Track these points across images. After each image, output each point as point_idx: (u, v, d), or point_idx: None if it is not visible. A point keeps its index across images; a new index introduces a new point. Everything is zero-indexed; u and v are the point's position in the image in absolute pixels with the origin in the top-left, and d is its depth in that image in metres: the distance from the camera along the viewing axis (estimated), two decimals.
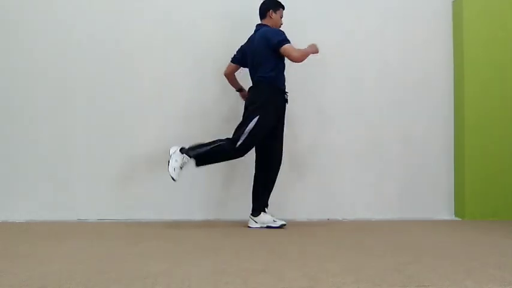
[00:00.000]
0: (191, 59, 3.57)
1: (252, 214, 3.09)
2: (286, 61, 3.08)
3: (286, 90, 3.13)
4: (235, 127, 3.48)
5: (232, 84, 3.36)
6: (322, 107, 3.67)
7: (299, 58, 2.97)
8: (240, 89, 3.36)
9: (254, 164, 3.16)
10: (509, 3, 3.79)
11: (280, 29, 3.12)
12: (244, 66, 3.26)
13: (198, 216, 3.46)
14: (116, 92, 3.49)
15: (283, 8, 3.18)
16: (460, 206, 3.73)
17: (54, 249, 2.16)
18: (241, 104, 3.21)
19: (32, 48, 3.44)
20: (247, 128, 2.94)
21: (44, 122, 3.41)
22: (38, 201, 3.35)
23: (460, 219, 3.70)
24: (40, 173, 3.38)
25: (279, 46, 2.95)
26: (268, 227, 3.03)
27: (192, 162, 2.89)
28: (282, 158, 3.16)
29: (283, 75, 3.11)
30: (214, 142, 2.93)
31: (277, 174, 3.14)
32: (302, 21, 3.54)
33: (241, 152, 2.96)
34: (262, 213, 3.07)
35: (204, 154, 2.90)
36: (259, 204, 3.10)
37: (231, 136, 2.98)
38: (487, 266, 1.81)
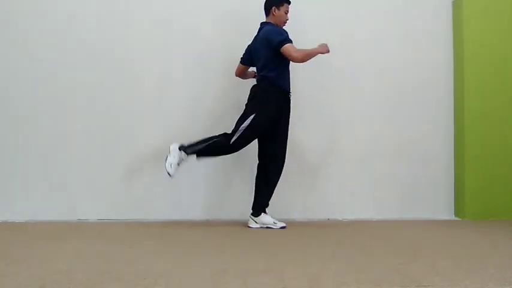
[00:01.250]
0: (192, 59, 3.56)
1: (252, 214, 3.09)
2: (291, 63, 3.08)
3: (290, 92, 3.13)
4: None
5: (247, 78, 3.36)
6: (322, 107, 3.66)
7: (300, 58, 2.97)
8: (254, 76, 3.31)
9: (255, 164, 3.16)
10: (509, 3, 3.78)
11: (283, 28, 3.11)
12: (253, 66, 3.25)
13: (198, 216, 3.46)
14: (116, 92, 3.48)
15: (289, 3, 3.11)
16: (460, 206, 3.73)
17: (54, 249, 2.16)
18: (242, 103, 3.20)
19: (32, 47, 3.43)
20: (242, 126, 2.98)
21: (43, 122, 3.41)
22: (38, 201, 3.35)
23: (460, 219, 3.70)
24: (40, 173, 3.38)
25: (279, 46, 2.95)
26: (268, 227, 3.03)
27: (191, 157, 2.98)
28: (285, 159, 3.15)
29: (287, 76, 3.09)
30: (210, 138, 2.99)
31: (279, 176, 3.13)
32: (302, 21, 3.53)
33: (235, 149, 3.03)
34: (262, 213, 3.07)
35: (201, 151, 2.98)
36: (260, 204, 3.09)
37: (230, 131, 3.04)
38: (487, 266, 1.81)
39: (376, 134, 3.73)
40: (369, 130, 3.73)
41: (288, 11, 3.11)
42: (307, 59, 2.99)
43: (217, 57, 3.55)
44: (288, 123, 3.15)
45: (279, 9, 3.08)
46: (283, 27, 3.12)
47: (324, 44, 3.07)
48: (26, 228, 2.94)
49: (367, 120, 3.72)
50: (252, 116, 2.96)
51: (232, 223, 3.25)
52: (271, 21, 3.11)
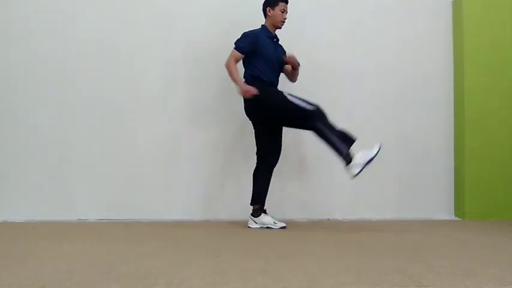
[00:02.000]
0: (191, 59, 3.57)
1: (252, 214, 3.09)
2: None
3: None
4: (235, 127, 3.52)
5: (291, 76, 3.29)
6: (322, 107, 3.66)
7: (226, 65, 3.02)
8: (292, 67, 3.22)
9: (254, 163, 3.16)
10: (509, 4, 3.79)
11: (278, 28, 3.12)
12: (285, 64, 3.22)
13: (198, 216, 3.46)
14: (116, 92, 3.49)
15: (285, 2, 3.09)
16: (460, 206, 3.73)
17: (54, 249, 2.15)
18: (241, 103, 3.19)
19: (33, 48, 3.43)
20: (295, 102, 2.90)
21: (44, 122, 3.41)
22: (38, 201, 3.35)
23: (460, 219, 3.70)
24: (40, 173, 3.38)
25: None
26: (268, 227, 3.03)
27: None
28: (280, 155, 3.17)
29: (268, 72, 3.07)
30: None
31: (272, 170, 3.14)
32: (302, 21, 3.54)
33: (314, 110, 2.92)
34: (262, 214, 3.07)
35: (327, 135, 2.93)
36: (261, 204, 3.09)
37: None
38: (487, 266, 1.81)
39: (376, 134, 3.72)
40: (368, 130, 3.72)
41: (284, 11, 3.09)
42: (228, 73, 3.02)
43: (218, 57, 3.54)
44: None
45: (273, 9, 3.08)
46: (280, 28, 3.13)
47: (249, 89, 2.96)
48: (26, 228, 2.94)
49: (366, 120, 3.72)
50: (286, 95, 2.95)
51: (232, 223, 3.25)
52: (267, 23, 3.12)
